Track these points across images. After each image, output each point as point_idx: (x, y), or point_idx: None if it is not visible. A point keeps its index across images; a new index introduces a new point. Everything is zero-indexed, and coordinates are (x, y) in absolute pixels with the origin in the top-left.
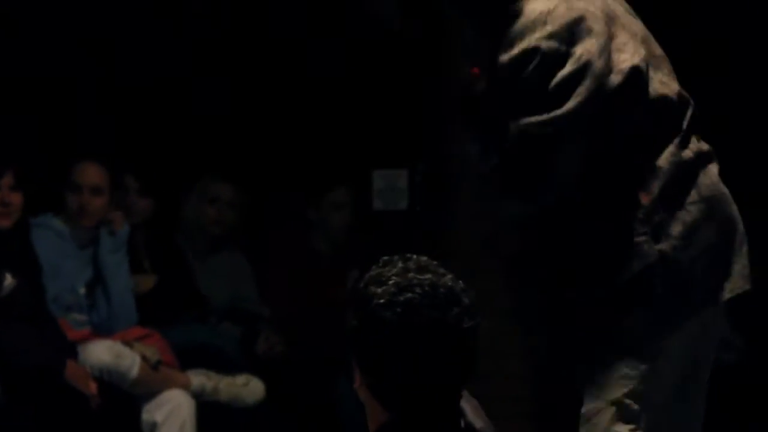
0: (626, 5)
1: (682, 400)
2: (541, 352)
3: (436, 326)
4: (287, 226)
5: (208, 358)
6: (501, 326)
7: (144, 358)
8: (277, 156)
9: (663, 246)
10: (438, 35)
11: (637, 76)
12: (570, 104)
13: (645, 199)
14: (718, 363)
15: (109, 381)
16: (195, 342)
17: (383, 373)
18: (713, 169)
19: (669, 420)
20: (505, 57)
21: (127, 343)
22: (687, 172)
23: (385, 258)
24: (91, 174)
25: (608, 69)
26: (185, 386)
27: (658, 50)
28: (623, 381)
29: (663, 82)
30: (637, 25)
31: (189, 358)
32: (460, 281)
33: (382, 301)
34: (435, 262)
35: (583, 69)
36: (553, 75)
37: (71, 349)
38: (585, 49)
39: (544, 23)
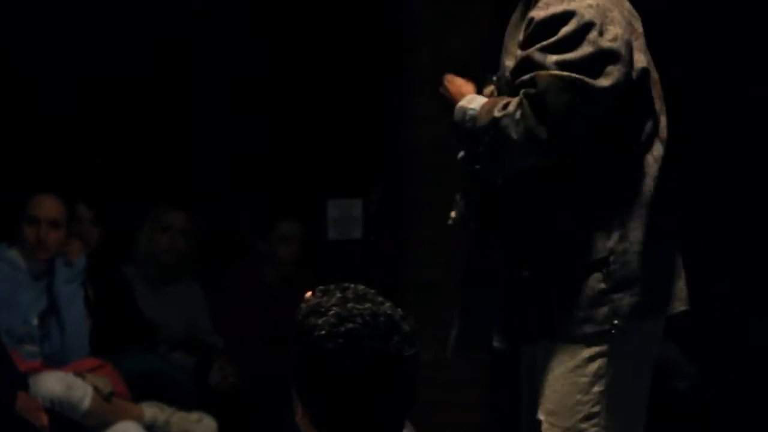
0: (629, 5)
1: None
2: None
3: (378, 356)
4: (239, 257)
5: (160, 387)
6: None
7: (96, 390)
8: (232, 186)
9: (618, 246)
10: (397, 65)
11: (646, 78)
12: (604, 82)
13: (613, 197)
14: (671, 390)
15: (60, 412)
16: (147, 371)
17: (324, 405)
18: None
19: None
20: (541, 14)
21: (80, 374)
22: (659, 180)
23: (322, 287)
24: (49, 207)
25: (632, 63)
26: (138, 418)
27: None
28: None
29: (656, 90)
30: (641, 28)
31: (141, 387)
32: (399, 309)
33: (323, 332)
34: (372, 291)
35: (617, 52)
36: (588, 40)
37: (22, 381)
38: (617, 33)
39: None
